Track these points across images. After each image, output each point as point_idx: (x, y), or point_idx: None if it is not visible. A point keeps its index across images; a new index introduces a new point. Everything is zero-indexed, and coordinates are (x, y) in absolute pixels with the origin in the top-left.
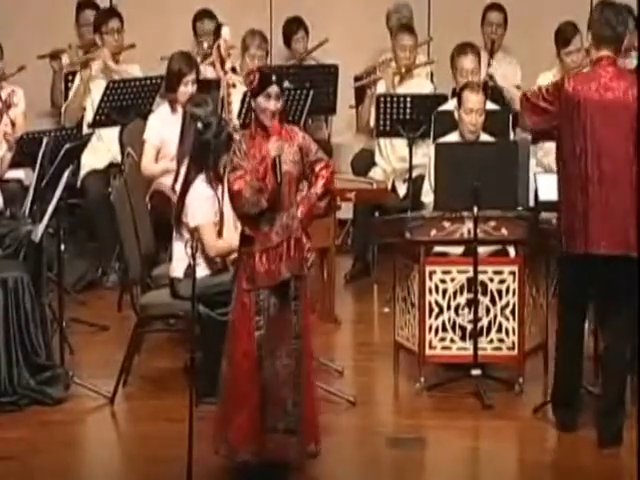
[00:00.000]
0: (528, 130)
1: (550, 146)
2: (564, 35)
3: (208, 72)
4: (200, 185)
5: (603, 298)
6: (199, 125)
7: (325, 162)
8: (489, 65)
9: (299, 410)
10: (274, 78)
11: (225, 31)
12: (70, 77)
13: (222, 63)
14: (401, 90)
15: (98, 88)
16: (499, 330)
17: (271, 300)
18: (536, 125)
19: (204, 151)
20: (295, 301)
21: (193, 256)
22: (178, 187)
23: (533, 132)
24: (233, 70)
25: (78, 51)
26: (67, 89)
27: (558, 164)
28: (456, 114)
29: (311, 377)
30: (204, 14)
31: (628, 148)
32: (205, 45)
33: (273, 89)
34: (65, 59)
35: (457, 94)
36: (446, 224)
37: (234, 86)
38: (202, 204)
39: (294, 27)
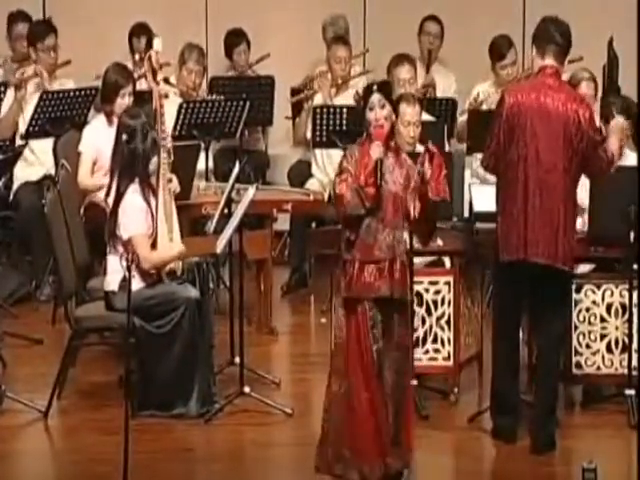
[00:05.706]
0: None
1: None
2: (499, 49)
3: (143, 84)
4: (132, 196)
5: (537, 306)
6: (124, 136)
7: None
8: (426, 74)
9: (400, 421)
10: (375, 87)
11: (157, 42)
12: (2, 88)
13: (154, 74)
14: (338, 101)
15: (31, 104)
16: (435, 341)
17: (377, 316)
18: (493, 154)
19: (133, 160)
20: (400, 318)
21: (128, 269)
22: (110, 200)
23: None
24: (165, 81)
25: (12, 65)
26: None
27: (498, 172)
28: None
29: (409, 390)
30: (140, 30)
31: (563, 159)
32: (137, 56)
33: (374, 97)
34: None
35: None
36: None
37: (166, 97)
38: (134, 215)
39: (236, 39)
